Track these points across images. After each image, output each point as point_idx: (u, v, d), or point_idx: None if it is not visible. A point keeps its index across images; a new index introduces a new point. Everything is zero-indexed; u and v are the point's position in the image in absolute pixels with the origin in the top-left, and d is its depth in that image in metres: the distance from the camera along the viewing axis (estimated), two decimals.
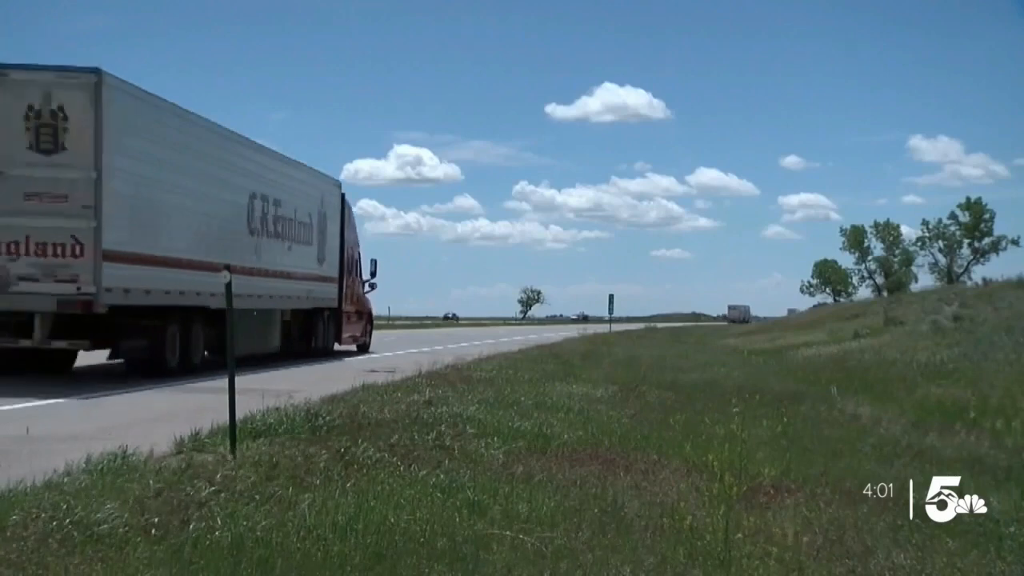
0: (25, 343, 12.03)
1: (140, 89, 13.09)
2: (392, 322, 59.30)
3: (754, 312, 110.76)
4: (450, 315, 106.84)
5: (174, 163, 13.71)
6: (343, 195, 21.45)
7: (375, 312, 25.60)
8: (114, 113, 11.97)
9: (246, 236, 16.29)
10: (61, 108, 11.62)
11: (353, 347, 22.71)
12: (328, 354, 20.44)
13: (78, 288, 11.66)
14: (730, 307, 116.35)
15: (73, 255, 11.65)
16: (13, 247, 11.63)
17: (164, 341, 13.30)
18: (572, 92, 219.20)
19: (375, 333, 25.16)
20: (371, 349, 23.53)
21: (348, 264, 21.53)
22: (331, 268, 20.57)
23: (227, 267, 6.54)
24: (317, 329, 20.00)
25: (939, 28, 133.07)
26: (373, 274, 23.32)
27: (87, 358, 14.16)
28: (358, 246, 22.73)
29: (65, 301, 11.69)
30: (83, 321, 12.06)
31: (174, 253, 13.65)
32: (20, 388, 11.06)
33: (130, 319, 12.77)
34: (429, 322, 78.14)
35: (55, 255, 11.67)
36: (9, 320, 11.93)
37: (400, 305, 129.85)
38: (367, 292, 23.40)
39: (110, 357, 13.47)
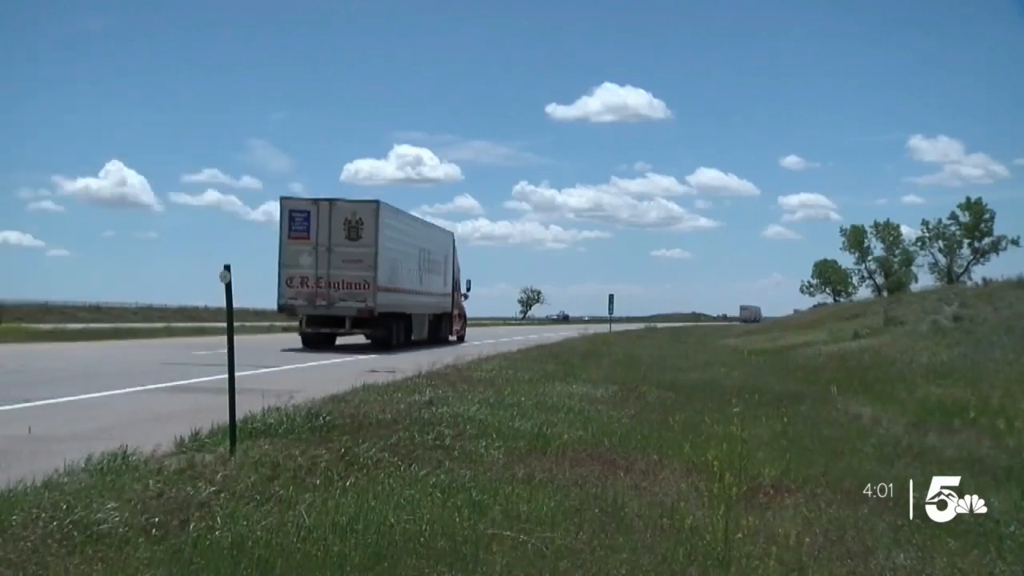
0: (341, 331, 23.51)
1: (391, 206, 24.75)
2: None
3: (763, 312, 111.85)
4: None
5: (399, 239, 24.98)
6: (454, 239, 32.64)
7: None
8: (382, 220, 23.20)
9: (418, 273, 27.04)
10: (360, 219, 22.79)
11: (454, 338, 32.06)
12: (445, 342, 29.55)
13: (366, 304, 22.71)
14: (742, 307, 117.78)
15: (364, 288, 22.73)
16: (336, 284, 22.67)
17: (392, 330, 24.19)
18: (572, 92, 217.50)
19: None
20: (465, 340, 32.50)
21: (455, 284, 31.94)
22: (448, 287, 30.95)
23: (226, 267, 6.53)
24: (442, 326, 30.41)
25: (939, 28, 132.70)
26: (468, 289, 33.98)
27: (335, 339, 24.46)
28: (460, 271, 32.84)
29: (360, 310, 22.74)
30: (365, 320, 23.12)
31: (398, 285, 24.73)
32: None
33: (381, 319, 23.42)
34: None
35: (355, 288, 22.73)
36: (334, 320, 23.03)
37: None
38: (464, 301, 33.94)
39: (367, 338, 24.31)
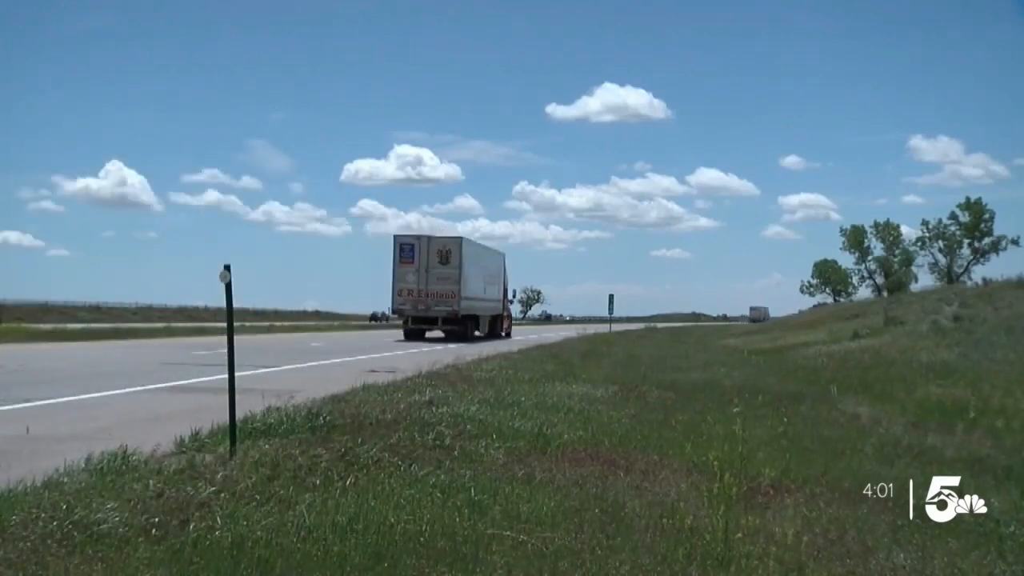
0: (434, 327, 32.39)
1: (469, 239, 35.21)
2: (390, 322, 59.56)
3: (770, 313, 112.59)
4: (379, 314, 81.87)
5: (473, 262, 33.76)
6: (504, 258, 41.93)
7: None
8: (464, 250, 32.58)
9: (483, 285, 35.66)
10: (448, 250, 32.21)
11: (504, 334, 39.77)
12: (498, 337, 37.58)
13: (452, 309, 31.74)
14: (751, 308, 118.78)
15: (451, 298, 31.78)
16: (432, 295, 31.73)
17: (467, 327, 33.02)
18: (572, 92, 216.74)
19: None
20: (511, 336, 39.56)
21: (505, 292, 41.06)
22: (501, 294, 40.06)
23: (226, 267, 6.53)
24: (496, 325, 38.99)
25: (939, 28, 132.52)
26: (514, 295, 44.66)
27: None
28: (509, 282, 42.24)
29: (449, 313, 31.86)
30: (451, 320, 32.03)
31: (472, 295, 33.39)
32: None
33: (462, 319, 32.38)
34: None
35: (445, 297, 31.78)
36: (430, 320, 32.13)
37: None
38: (511, 306, 44.24)
39: (447, 333, 32.26)
